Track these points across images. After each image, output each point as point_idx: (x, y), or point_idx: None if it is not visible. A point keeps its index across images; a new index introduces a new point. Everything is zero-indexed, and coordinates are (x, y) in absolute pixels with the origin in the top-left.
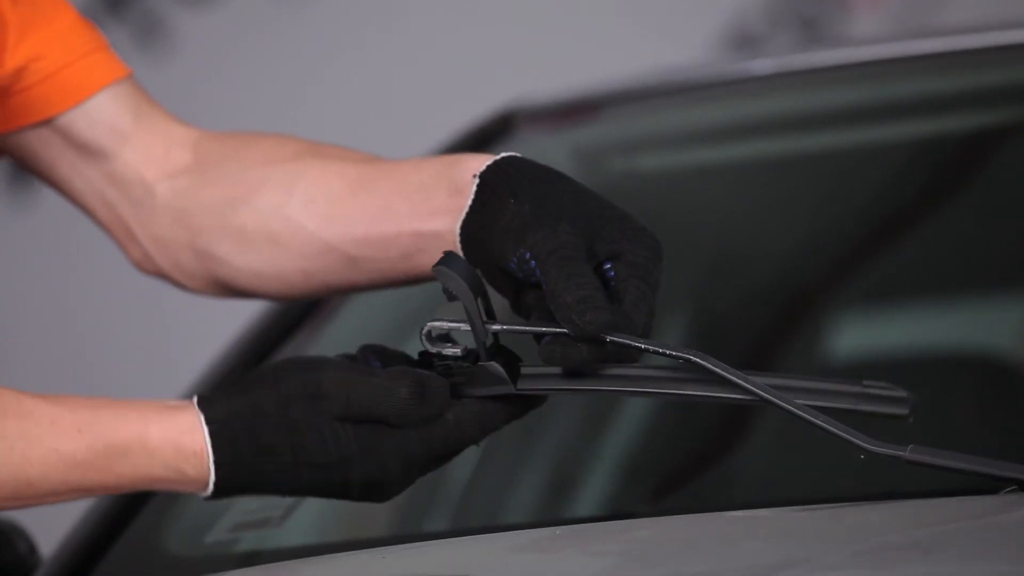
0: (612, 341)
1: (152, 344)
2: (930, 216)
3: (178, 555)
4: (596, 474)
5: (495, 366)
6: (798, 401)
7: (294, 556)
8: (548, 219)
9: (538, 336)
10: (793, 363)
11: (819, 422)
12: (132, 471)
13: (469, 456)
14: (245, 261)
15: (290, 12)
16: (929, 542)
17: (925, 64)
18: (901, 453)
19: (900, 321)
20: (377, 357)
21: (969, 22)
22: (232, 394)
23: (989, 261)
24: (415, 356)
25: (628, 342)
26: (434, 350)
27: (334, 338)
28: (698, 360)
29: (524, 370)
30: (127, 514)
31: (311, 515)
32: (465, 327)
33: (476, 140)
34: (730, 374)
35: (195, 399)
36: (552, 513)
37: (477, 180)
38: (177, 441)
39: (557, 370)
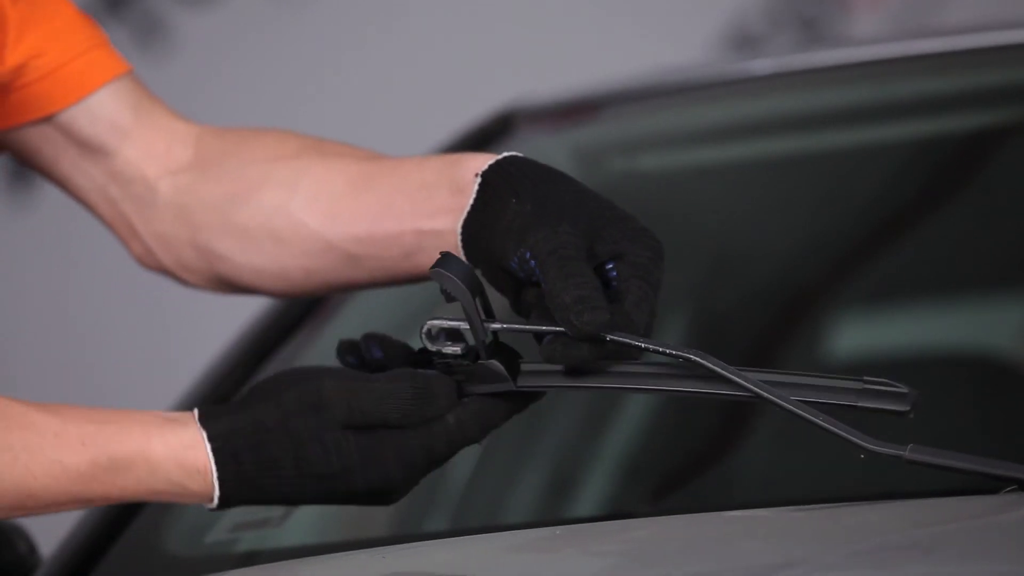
0: (612, 340)
1: (152, 343)
2: (930, 216)
3: (178, 555)
4: (596, 474)
5: (495, 364)
6: (798, 399)
7: (294, 556)
8: (549, 219)
9: (539, 335)
10: (793, 363)
11: (820, 421)
12: (135, 484)
13: (469, 456)
14: (247, 258)
15: (290, 12)
16: (929, 542)
17: (925, 64)
18: (901, 453)
19: (900, 321)
20: (379, 346)
21: (969, 22)
22: (234, 409)
23: (989, 261)
24: (416, 350)
25: (628, 341)
26: (434, 348)
27: (334, 338)
28: (698, 359)
29: (524, 367)
30: (127, 514)
31: (311, 515)
32: (465, 326)
33: (476, 140)
34: (731, 373)
35: (196, 413)
36: (552, 513)
37: (479, 179)
38: (180, 457)
39: (557, 367)
